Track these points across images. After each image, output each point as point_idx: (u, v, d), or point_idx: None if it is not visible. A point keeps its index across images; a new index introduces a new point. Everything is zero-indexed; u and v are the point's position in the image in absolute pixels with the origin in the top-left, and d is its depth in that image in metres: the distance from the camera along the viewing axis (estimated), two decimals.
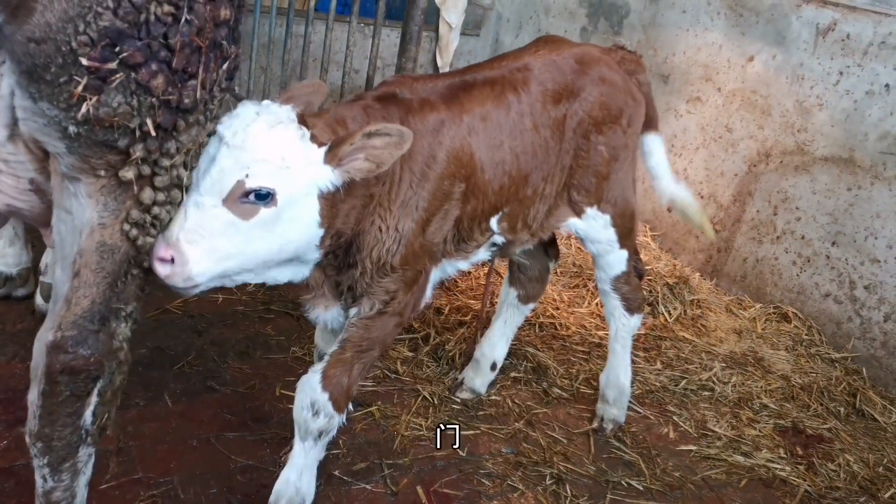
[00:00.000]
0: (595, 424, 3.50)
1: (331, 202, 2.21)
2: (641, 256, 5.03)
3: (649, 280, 4.74)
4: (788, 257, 4.77)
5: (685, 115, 5.37)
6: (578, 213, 3.08)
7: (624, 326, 3.42)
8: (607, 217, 3.13)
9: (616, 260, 3.27)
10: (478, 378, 3.59)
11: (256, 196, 2.05)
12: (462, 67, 2.96)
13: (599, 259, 3.28)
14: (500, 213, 2.79)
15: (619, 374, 3.49)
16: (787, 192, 4.78)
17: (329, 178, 2.16)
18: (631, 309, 3.39)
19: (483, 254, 2.89)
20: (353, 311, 2.56)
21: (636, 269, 3.39)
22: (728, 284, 5.09)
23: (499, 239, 2.87)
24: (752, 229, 4.97)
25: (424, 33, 5.76)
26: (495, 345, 3.59)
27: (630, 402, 3.73)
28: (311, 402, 2.51)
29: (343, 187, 2.20)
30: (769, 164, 4.88)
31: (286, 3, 5.04)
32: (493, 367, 3.60)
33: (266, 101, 2.18)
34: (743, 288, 5.01)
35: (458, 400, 3.54)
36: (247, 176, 2.03)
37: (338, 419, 2.56)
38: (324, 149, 2.15)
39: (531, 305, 3.61)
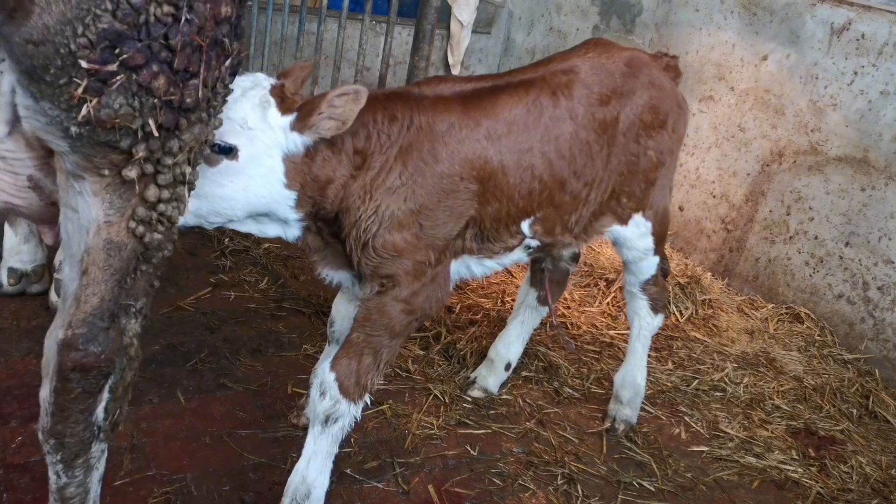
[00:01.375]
0: (607, 424, 3.50)
1: (298, 166, 2.39)
2: None
3: None
4: (801, 257, 4.75)
5: (698, 114, 5.34)
6: (625, 219, 3.08)
7: (648, 325, 3.43)
8: (650, 225, 3.15)
9: (649, 265, 3.30)
10: (491, 377, 3.59)
11: (219, 149, 2.26)
12: (508, 70, 2.98)
13: (632, 265, 3.30)
14: (533, 218, 2.79)
15: (636, 375, 3.48)
16: (801, 192, 4.75)
17: (295, 141, 2.35)
18: (656, 308, 3.41)
19: (518, 255, 2.92)
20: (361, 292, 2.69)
21: (662, 269, 3.41)
22: (740, 284, 5.07)
23: (532, 242, 2.87)
24: (765, 229, 4.95)
25: (436, 31, 5.75)
26: (510, 345, 3.58)
27: (642, 402, 3.73)
28: (320, 382, 2.55)
29: (311, 152, 2.39)
30: (782, 164, 4.85)
31: (298, 0, 5.04)
32: (508, 367, 3.60)
33: (259, 74, 2.42)
34: (755, 288, 4.99)
35: (470, 399, 3.54)
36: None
37: (345, 405, 2.54)
38: (290, 116, 2.34)
39: (548, 307, 3.62)
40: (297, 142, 2.36)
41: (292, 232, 2.57)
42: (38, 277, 3.61)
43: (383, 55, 4.60)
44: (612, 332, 4.27)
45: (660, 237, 3.24)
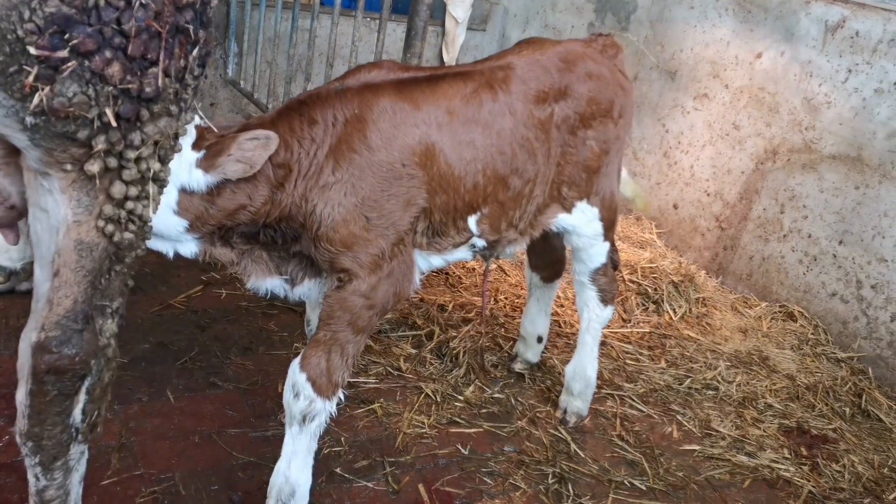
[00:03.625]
0: (559, 415, 3.52)
1: (194, 200, 2.33)
2: (646, 253, 5.03)
3: (655, 278, 4.72)
4: (795, 256, 4.74)
5: (692, 112, 5.33)
6: (568, 208, 3.07)
7: (597, 317, 3.44)
8: (596, 210, 3.14)
9: (598, 252, 3.30)
10: (528, 351, 3.81)
11: None
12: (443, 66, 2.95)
13: (582, 252, 3.30)
14: (479, 214, 2.77)
15: (586, 367, 3.49)
16: (795, 190, 4.75)
17: (198, 179, 2.29)
18: (605, 300, 3.42)
19: (462, 253, 2.89)
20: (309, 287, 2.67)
21: (612, 261, 3.41)
22: (734, 283, 5.07)
23: (479, 242, 2.86)
24: (759, 227, 4.94)
25: (431, 28, 5.72)
26: (535, 321, 3.75)
27: (633, 400, 3.73)
28: (292, 383, 2.54)
29: (215, 189, 2.33)
30: (776, 162, 4.84)
31: None
32: (539, 339, 3.78)
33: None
34: (749, 286, 4.98)
35: (516, 370, 3.81)
36: None
37: (320, 403, 2.54)
38: (199, 153, 2.28)
39: (557, 281, 3.72)
40: (200, 180, 2.29)
41: (187, 248, 2.49)
42: (28, 275, 3.58)
43: (376, 52, 4.58)
44: (605, 331, 4.25)
45: (609, 222, 3.23)
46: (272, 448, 2.98)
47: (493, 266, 4.76)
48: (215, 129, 2.33)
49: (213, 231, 2.45)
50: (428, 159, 2.58)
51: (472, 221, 2.77)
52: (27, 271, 3.58)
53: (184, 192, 2.30)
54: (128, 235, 1.83)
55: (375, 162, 2.49)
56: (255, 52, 5.03)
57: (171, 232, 2.38)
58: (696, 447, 3.49)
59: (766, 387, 4.01)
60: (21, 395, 1.92)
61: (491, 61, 2.88)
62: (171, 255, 2.49)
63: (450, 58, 6.63)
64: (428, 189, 2.60)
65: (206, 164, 2.28)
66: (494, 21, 7.01)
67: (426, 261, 2.80)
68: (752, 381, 4.04)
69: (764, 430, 3.67)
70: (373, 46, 4.99)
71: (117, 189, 1.74)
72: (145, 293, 3.82)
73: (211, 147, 2.28)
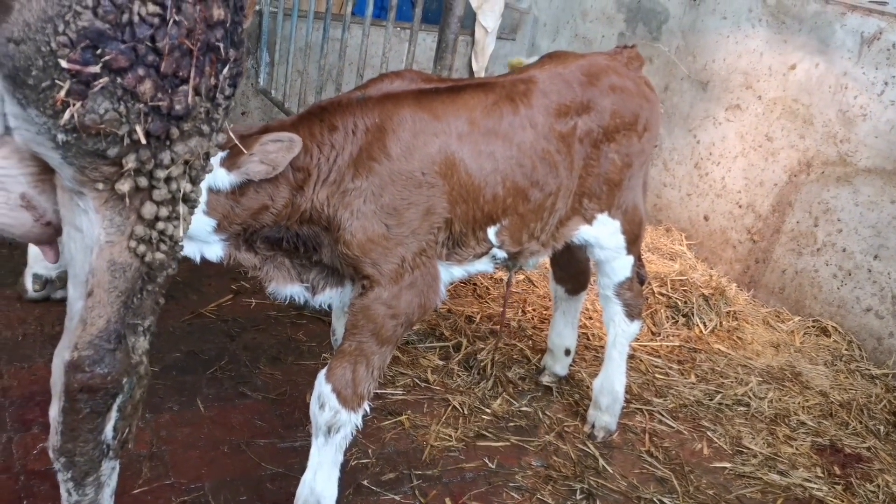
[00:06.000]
0: (587, 430, 3.50)
1: (221, 199, 2.40)
2: (675, 265, 4.98)
3: (685, 290, 4.67)
4: (829, 270, 4.67)
5: (724, 123, 5.28)
6: (589, 220, 3.06)
7: (623, 332, 3.41)
8: (617, 223, 3.12)
9: (622, 266, 3.27)
10: (556, 364, 3.79)
11: None
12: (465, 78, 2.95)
13: (605, 265, 3.28)
14: (499, 225, 2.76)
15: (613, 382, 3.46)
16: (829, 203, 4.67)
17: (222, 178, 2.36)
18: (631, 315, 3.39)
19: (483, 265, 2.89)
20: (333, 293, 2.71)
21: (639, 275, 3.39)
22: (766, 296, 5.00)
23: (500, 253, 2.85)
24: (792, 240, 4.88)
25: (461, 37, 5.72)
26: (562, 333, 3.73)
27: (662, 415, 3.69)
28: (317, 395, 2.56)
29: (239, 189, 2.40)
30: (810, 175, 4.78)
31: (323, 7, 5.06)
32: (567, 352, 3.77)
33: None
34: (781, 300, 4.91)
35: (544, 383, 3.78)
36: None
37: (345, 415, 2.55)
38: (223, 153, 2.35)
39: (582, 294, 3.69)
40: (224, 178, 2.35)
41: (213, 251, 2.53)
42: (63, 283, 3.64)
43: (407, 62, 4.60)
44: (633, 344, 4.21)
45: (632, 236, 3.20)
46: (300, 459, 2.98)
47: (521, 277, 4.74)
48: (232, 135, 2.35)
49: (239, 232, 2.50)
50: (448, 169, 2.59)
51: (491, 232, 2.77)
52: (62, 279, 3.63)
53: (211, 191, 2.36)
54: (159, 256, 1.83)
55: (395, 171, 2.51)
56: (286, 61, 5.07)
57: (200, 232, 2.42)
58: (727, 465, 3.45)
59: (799, 403, 3.95)
60: (54, 412, 1.94)
61: (513, 75, 2.89)
62: (197, 258, 2.53)
63: (479, 67, 6.63)
64: (448, 199, 2.60)
65: (229, 163, 2.34)
66: (524, 30, 7.00)
67: (447, 272, 2.80)
68: (784, 397, 3.99)
69: (796, 448, 3.61)
70: (403, 56, 5.01)
71: (148, 209, 1.74)
72: (176, 301, 3.86)
73: (234, 147, 2.31)
